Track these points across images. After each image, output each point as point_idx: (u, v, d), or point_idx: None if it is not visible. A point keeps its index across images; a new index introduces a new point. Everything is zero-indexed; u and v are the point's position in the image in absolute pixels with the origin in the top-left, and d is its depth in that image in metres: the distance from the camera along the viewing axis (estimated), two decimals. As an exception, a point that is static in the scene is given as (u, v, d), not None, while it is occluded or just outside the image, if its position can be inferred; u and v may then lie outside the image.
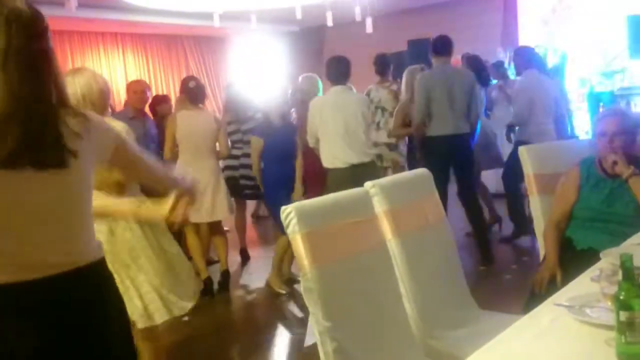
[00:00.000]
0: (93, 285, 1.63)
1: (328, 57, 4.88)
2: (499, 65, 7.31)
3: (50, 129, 1.49)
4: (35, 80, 1.50)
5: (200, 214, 4.75)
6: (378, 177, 4.21)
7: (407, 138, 5.75)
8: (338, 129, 4.50)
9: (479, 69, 5.93)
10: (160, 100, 6.44)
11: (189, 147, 4.81)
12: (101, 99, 2.82)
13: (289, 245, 4.76)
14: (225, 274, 5.09)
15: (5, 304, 1.49)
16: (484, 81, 6.02)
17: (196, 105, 4.96)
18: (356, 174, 4.32)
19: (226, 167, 5.49)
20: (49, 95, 1.52)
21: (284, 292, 4.82)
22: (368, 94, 6.05)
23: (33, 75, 1.49)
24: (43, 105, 1.50)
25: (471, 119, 5.06)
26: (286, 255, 4.96)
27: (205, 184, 4.76)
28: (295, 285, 4.85)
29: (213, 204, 4.85)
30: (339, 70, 4.68)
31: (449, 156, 4.94)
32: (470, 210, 5.18)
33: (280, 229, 4.90)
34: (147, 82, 11.00)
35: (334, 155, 4.51)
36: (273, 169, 4.82)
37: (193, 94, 4.94)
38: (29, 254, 1.51)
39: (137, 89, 5.31)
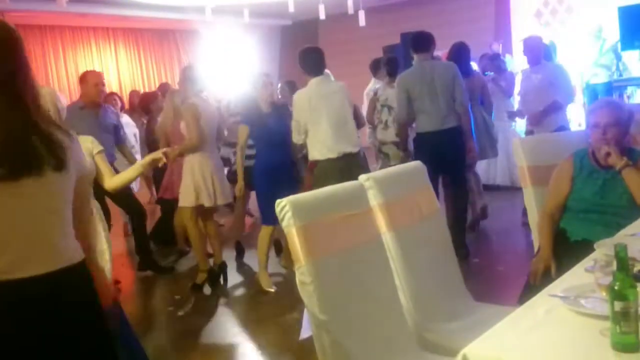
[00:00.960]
0: (72, 287, 1.68)
1: (301, 50, 4.64)
2: (494, 57, 7.29)
3: (29, 139, 1.55)
4: (10, 97, 1.55)
5: (211, 198, 4.79)
6: (365, 168, 4.20)
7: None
8: (330, 118, 4.40)
9: (460, 58, 5.71)
10: (152, 98, 6.41)
11: (203, 136, 4.82)
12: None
13: (270, 237, 4.79)
14: (223, 267, 5.07)
15: None
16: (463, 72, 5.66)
17: (199, 95, 4.98)
18: (345, 165, 4.30)
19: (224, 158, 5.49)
20: (27, 110, 1.58)
21: (272, 290, 4.76)
22: (375, 93, 6.01)
23: (6, 91, 1.55)
24: (20, 117, 1.56)
25: (457, 109, 4.91)
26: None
27: (212, 170, 4.80)
28: (291, 278, 4.83)
29: (223, 188, 4.89)
30: (315, 61, 4.52)
31: (437, 152, 4.75)
32: (456, 205, 5.02)
33: (264, 220, 4.89)
34: (139, 77, 11.04)
35: (327, 146, 4.39)
36: (263, 156, 4.73)
37: (198, 83, 4.96)
38: (14, 253, 1.57)
39: (98, 81, 5.24)
